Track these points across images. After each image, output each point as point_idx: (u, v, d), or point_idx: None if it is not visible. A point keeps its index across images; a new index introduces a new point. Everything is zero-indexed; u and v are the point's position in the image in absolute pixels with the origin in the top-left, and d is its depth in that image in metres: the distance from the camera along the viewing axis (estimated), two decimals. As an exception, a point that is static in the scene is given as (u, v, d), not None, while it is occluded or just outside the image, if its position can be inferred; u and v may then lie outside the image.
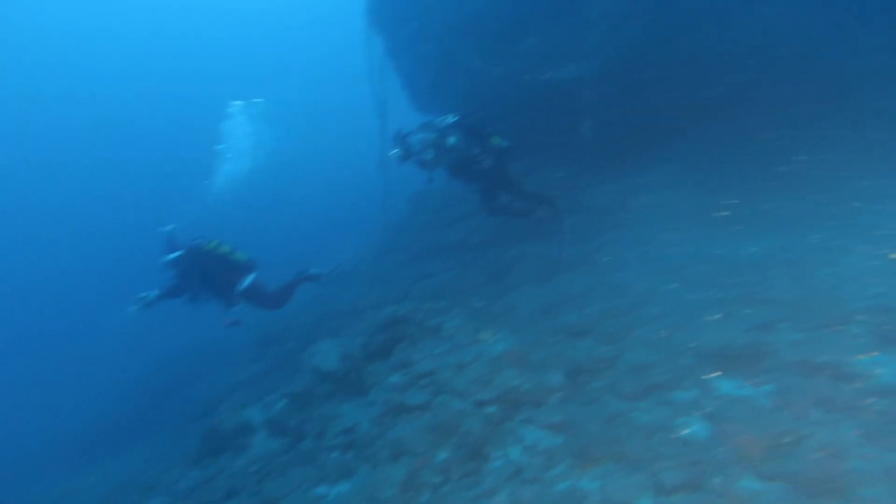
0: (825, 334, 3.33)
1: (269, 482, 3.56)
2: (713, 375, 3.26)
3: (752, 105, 7.94)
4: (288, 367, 5.64)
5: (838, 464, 2.25)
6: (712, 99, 8.27)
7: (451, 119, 6.07)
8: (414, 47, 10.46)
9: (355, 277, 9.72)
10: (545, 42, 8.98)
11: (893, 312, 3.21)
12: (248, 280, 6.04)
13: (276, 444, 4.08)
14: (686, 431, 2.78)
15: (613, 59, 8.43)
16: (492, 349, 3.47)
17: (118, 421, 9.40)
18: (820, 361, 2.97)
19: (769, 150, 6.81)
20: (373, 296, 6.76)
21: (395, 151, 5.88)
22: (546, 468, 2.73)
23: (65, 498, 6.56)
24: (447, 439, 2.98)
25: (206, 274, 5.85)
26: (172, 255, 5.77)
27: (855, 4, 6.44)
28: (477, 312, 4.41)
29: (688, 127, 8.36)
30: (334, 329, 5.83)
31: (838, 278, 3.96)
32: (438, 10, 9.53)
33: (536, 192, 6.98)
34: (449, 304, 4.76)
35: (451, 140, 5.85)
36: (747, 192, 6.59)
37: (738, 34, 7.55)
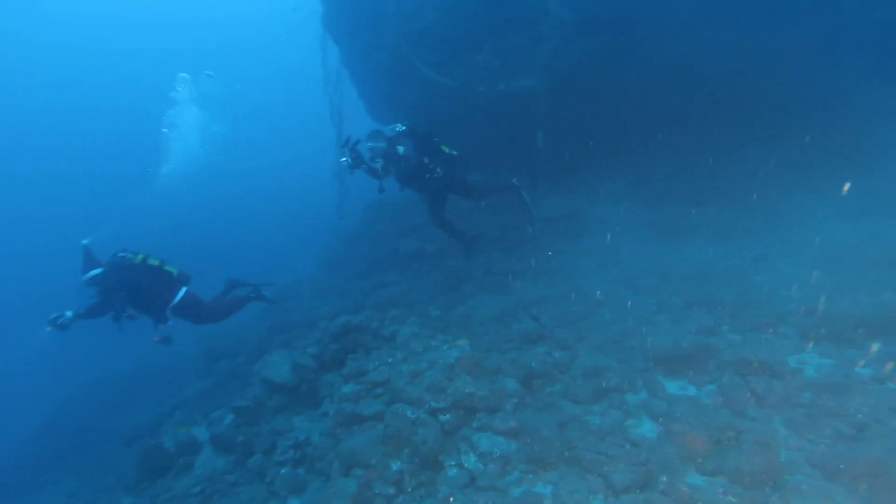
0: (760, 336, 3.55)
1: (222, 499, 3.36)
2: (661, 377, 3.39)
3: (697, 121, 8.43)
4: (237, 380, 5.39)
5: (771, 455, 2.38)
6: (660, 114, 8.72)
7: (400, 128, 6.04)
8: (368, 57, 10.43)
9: (308, 288, 9.48)
10: (498, 55, 9.19)
11: (817, 315, 3.47)
12: (180, 294, 5.63)
13: (222, 462, 3.86)
14: (635, 432, 2.86)
15: (565, 73, 8.74)
16: (446, 356, 3.45)
17: (38, 454, 8.49)
18: (756, 360, 3.15)
19: (711, 165, 7.24)
20: (327, 306, 6.60)
21: (344, 160, 5.78)
22: (501, 475, 2.72)
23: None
24: (401, 449, 2.92)
25: (132, 290, 5.33)
26: (91, 274, 5.24)
27: (790, 27, 6.98)
28: (432, 321, 4.39)
29: (636, 140, 8.76)
30: (286, 340, 5.63)
31: (772, 285, 4.25)
32: (392, 21, 9.57)
33: (498, 181, 7.04)
34: (405, 313, 4.71)
35: (401, 149, 5.82)
36: (691, 205, 6.98)
37: (683, 54, 8.02)
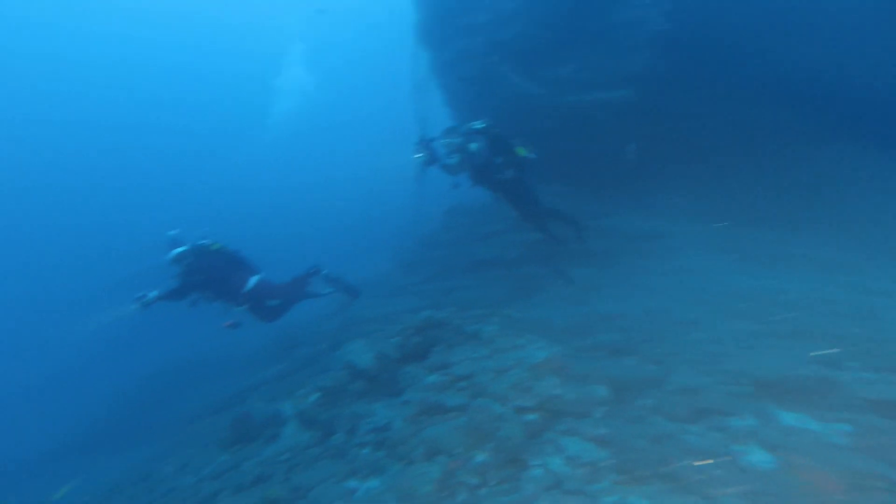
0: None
1: (299, 472, 3.53)
2: (772, 406, 3.10)
3: (790, 141, 7.76)
4: (317, 365, 5.65)
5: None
6: (754, 131, 8.13)
7: (477, 125, 6.10)
8: (458, 65, 10.67)
9: (381, 288, 9.76)
10: (588, 64, 9.04)
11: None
12: (253, 280, 5.98)
13: (305, 437, 4.05)
14: (745, 459, 2.63)
15: (657, 85, 8.40)
16: (533, 357, 3.40)
17: (130, 420, 9.32)
18: (896, 399, 2.79)
19: (800, 188, 6.60)
20: (404, 304, 6.76)
21: (418, 155, 5.95)
22: (589, 481, 2.62)
23: (94, 479, 6.64)
24: (485, 443, 2.90)
25: (208, 275, 5.75)
26: (175, 252, 5.69)
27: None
28: (514, 322, 4.34)
29: (727, 158, 8.21)
30: (364, 332, 5.83)
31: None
32: (483, 29, 9.74)
33: (556, 210, 6.89)
34: (487, 313, 4.71)
35: (473, 146, 5.87)
36: (787, 229, 6.39)
37: (782, 68, 7.44)
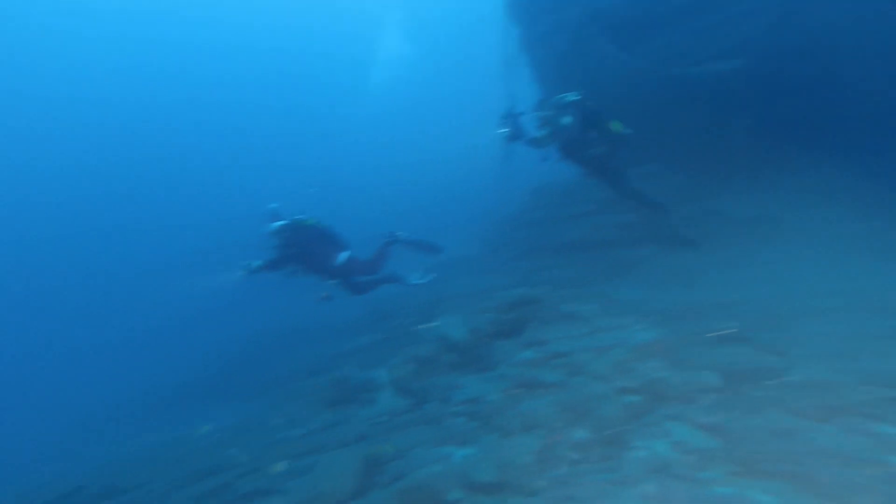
0: None
1: (397, 434, 3.72)
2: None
3: None
4: (409, 336, 5.88)
5: None
6: (885, 109, 6.96)
7: (571, 97, 5.84)
8: (549, 39, 10.29)
9: (469, 266, 9.85)
10: (693, 33, 8.27)
11: None
12: (344, 255, 6.28)
13: (401, 403, 4.26)
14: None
15: (773, 56, 7.49)
16: (636, 338, 3.26)
17: (236, 375, 10.25)
18: None
19: None
20: (494, 282, 6.79)
21: (503, 130, 5.86)
22: (699, 469, 2.48)
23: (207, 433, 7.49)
24: (584, 420, 2.86)
25: (303, 248, 6.11)
26: (276, 225, 6.10)
27: None
28: (614, 302, 4.18)
29: (852, 137, 7.14)
30: (456, 307, 5.95)
31: None
32: (577, 1, 9.25)
33: (643, 193, 6.43)
34: (582, 293, 4.59)
35: (566, 119, 5.64)
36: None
37: None
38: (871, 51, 6.92)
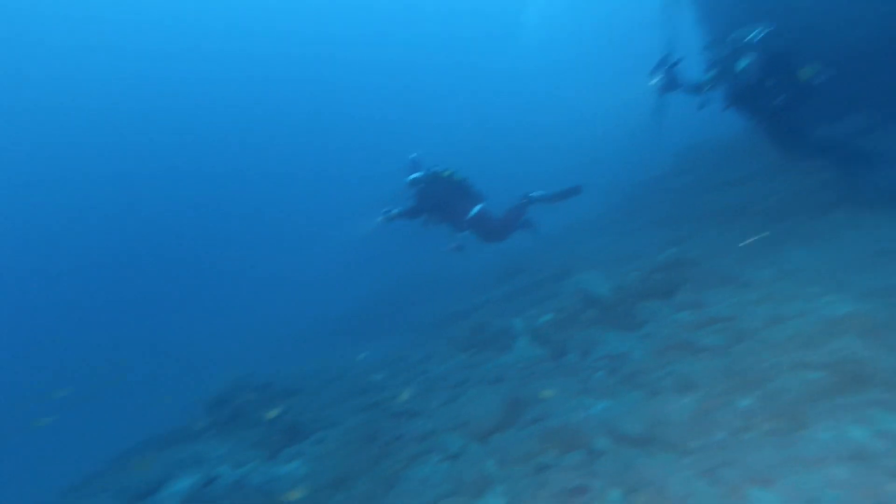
0: None
1: (534, 380, 3.82)
2: None
3: None
4: (544, 290, 5.87)
5: None
6: None
7: (753, 35, 4.93)
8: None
9: (602, 229, 9.34)
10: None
11: None
12: (476, 208, 6.35)
13: (537, 352, 4.33)
14: None
15: None
16: (826, 310, 2.81)
17: (376, 316, 11.20)
18: None
19: None
20: (636, 244, 6.36)
21: (655, 80, 5.22)
22: (908, 464, 2.11)
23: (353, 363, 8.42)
24: (750, 389, 2.60)
25: (437, 200, 6.32)
26: (412, 176, 6.39)
27: None
28: (793, 271, 3.63)
29: None
30: (595, 264, 5.74)
31: None
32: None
33: (833, 149, 5.21)
34: (749, 257, 4.07)
35: (743, 62, 4.78)
36: None
37: None
38: None
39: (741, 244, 4.44)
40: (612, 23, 31.95)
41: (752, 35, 5.09)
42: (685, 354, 3.09)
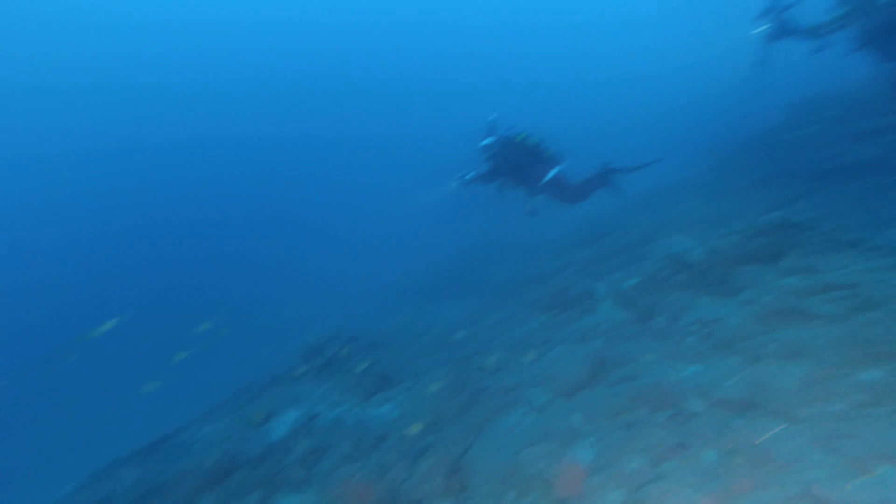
0: None
1: (620, 342, 3.77)
2: None
3: None
4: (629, 254, 5.68)
5: None
6: None
7: None
8: None
9: (696, 190, 8.70)
10: None
11: None
12: (552, 172, 6.20)
13: (623, 315, 4.25)
14: None
15: None
16: (974, 278, 2.49)
17: (454, 278, 11.36)
18: None
19: None
20: (734, 205, 5.90)
21: (762, 27, 4.64)
22: None
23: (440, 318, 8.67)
24: (876, 362, 2.40)
25: (513, 163, 6.23)
26: (485, 142, 6.31)
27: None
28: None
29: None
30: (689, 226, 5.43)
31: None
32: None
33: None
34: (876, 220, 3.65)
35: None
36: None
37: None
38: None
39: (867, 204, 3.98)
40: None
41: None
42: (793, 322, 2.90)
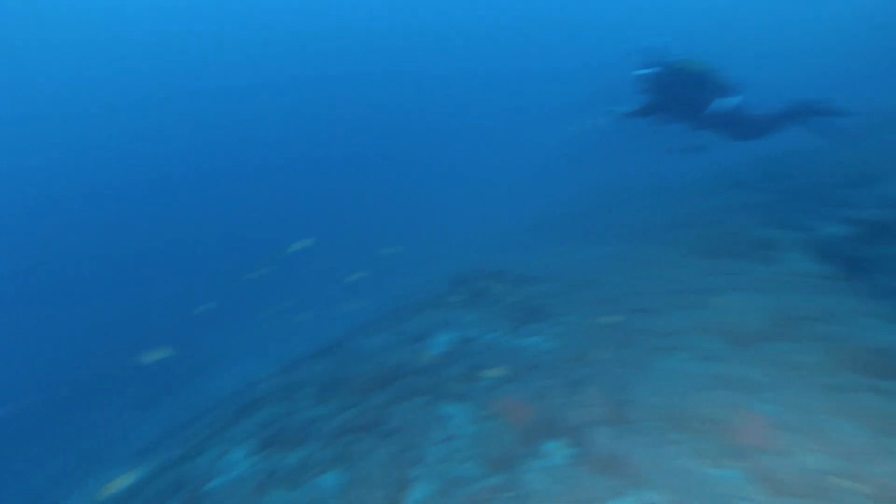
0: None
1: (819, 296, 3.33)
2: None
3: None
4: (831, 197, 4.82)
5: None
6: None
7: None
8: None
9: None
10: None
11: None
12: (725, 102, 5.41)
13: (820, 268, 3.71)
14: None
15: None
16: None
17: (590, 219, 10.71)
18: None
19: None
20: None
21: None
22: None
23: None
24: None
25: (675, 94, 5.54)
26: (641, 72, 5.63)
27: None
28: None
29: None
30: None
31: None
32: None
33: None
34: None
35: None
36: None
37: None
38: None
39: None
40: None
41: None
42: None
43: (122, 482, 4.27)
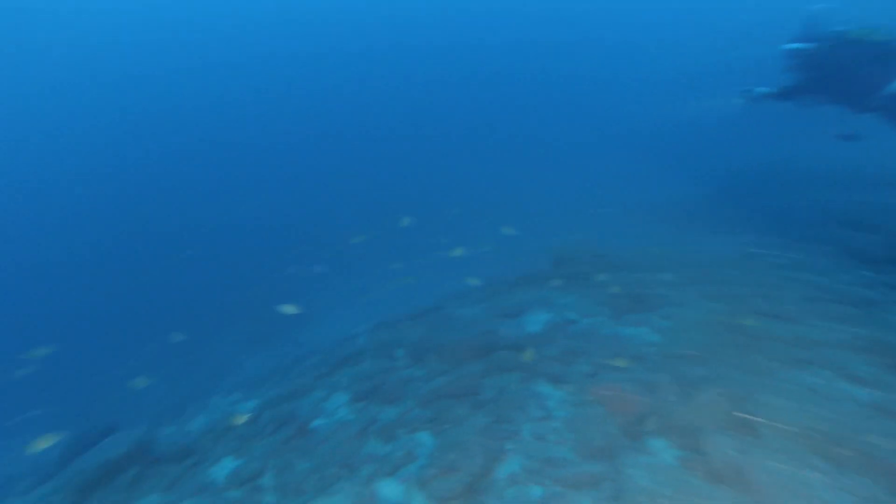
0: None
1: None
2: None
3: None
4: None
5: None
6: None
7: None
8: None
9: None
10: None
11: None
12: None
13: None
14: None
15: None
16: None
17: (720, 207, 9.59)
18: None
19: None
20: None
21: None
22: None
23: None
24: None
25: (835, 70, 4.53)
26: (793, 45, 4.73)
27: None
28: None
29: None
30: None
31: None
32: None
33: None
34: None
35: None
36: None
37: None
38: None
39: None
40: None
41: None
42: None
43: (243, 417, 4.91)
